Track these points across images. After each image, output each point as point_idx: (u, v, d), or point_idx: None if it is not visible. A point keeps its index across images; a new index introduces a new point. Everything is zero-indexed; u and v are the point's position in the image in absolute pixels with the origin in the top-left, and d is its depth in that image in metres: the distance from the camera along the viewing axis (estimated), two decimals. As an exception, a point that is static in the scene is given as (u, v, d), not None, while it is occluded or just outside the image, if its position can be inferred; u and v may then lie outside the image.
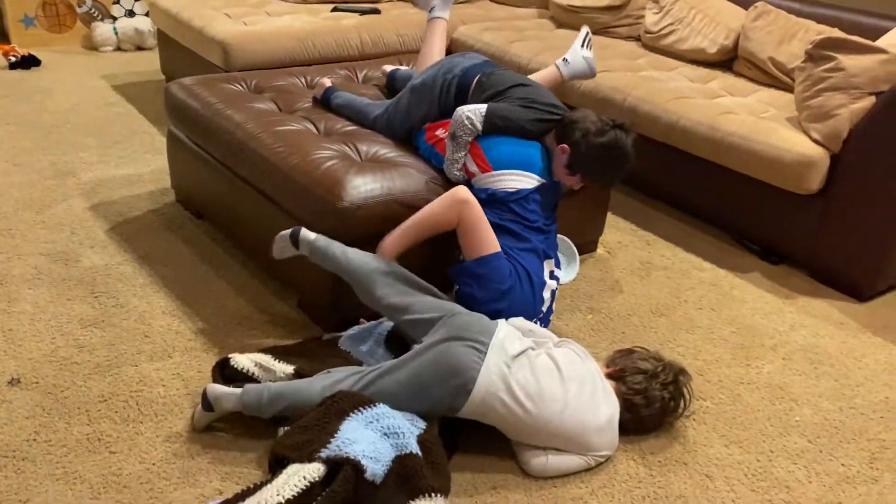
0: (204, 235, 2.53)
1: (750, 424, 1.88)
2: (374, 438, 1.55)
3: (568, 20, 3.83)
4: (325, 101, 2.47)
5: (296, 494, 1.38)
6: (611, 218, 2.88)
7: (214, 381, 1.77)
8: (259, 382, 1.74)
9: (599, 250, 2.64)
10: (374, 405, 1.62)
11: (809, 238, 2.54)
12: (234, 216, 2.38)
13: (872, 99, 2.37)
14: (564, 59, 2.61)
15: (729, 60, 3.29)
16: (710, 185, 2.77)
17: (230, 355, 1.80)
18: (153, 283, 2.25)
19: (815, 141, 2.46)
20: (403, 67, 2.81)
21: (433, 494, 1.53)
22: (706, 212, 2.87)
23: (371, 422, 1.59)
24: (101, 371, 1.88)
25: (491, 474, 1.67)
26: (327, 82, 2.56)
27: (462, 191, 1.93)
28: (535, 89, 2.21)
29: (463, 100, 2.24)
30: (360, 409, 1.60)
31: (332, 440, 1.49)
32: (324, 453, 1.47)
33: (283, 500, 1.36)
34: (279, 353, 1.85)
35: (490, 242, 1.93)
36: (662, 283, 2.48)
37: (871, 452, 1.83)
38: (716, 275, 2.56)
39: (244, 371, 1.76)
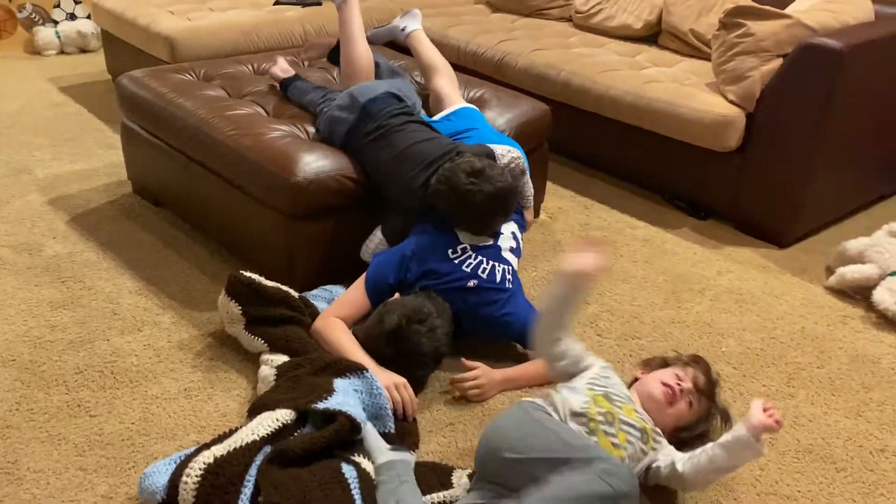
0: (163, 222, 2.63)
1: (681, 357, 2.07)
2: (356, 404, 1.66)
3: (503, 5, 3.99)
4: (283, 89, 2.56)
5: (269, 433, 1.51)
6: (551, 186, 3.04)
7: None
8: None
9: (542, 216, 2.81)
10: (364, 374, 1.73)
11: (732, 192, 2.75)
12: (191, 200, 2.49)
13: (780, 60, 2.58)
14: (402, 28, 2.85)
15: (654, 35, 3.50)
16: (639, 149, 2.97)
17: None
18: (118, 266, 2.35)
19: (732, 102, 2.66)
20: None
21: (394, 451, 1.67)
22: (638, 175, 3.07)
23: (357, 390, 1.70)
24: (74, 346, 1.98)
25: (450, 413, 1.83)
26: (280, 74, 2.59)
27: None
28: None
29: None
30: (350, 374, 1.73)
31: (329, 396, 1.61)
32: (320, 406, 1.58)
33: (257, 438, 1.49)
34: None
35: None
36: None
37: (789, 374, 2.04)
38: (648, 232, 2.75)
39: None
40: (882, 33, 2.58)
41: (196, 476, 1.43)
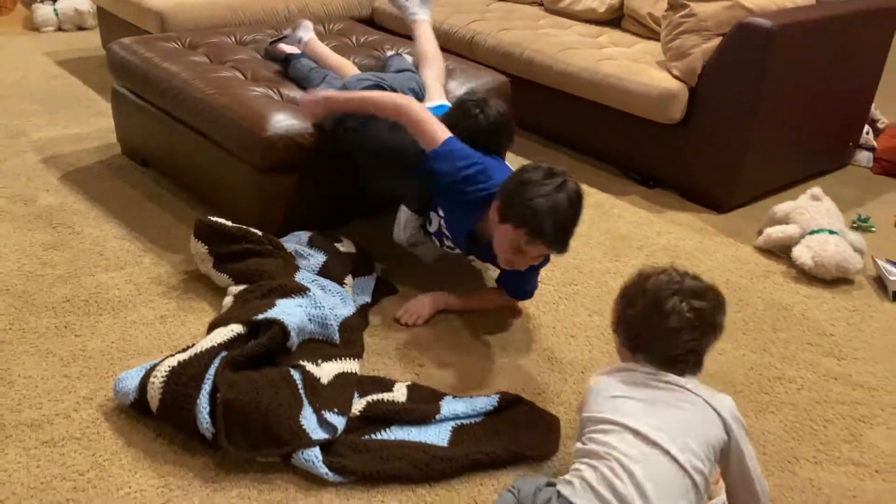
0: (149, 180, 2.84)
1: (610, 301, 2.28)
2: (301, 317, 1.89)
3: (478, -11, 4.20)
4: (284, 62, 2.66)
5: (226, 340, 1.73)
6: (514, 158, 3.26)
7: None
8: None
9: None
10: (308, 293, 1.96)
11: (677, 162, 2.97)
12: (174, 158, 2.70)
13: (719, 39, 2.80)
14: (411, 13, 2.89)
15: (617, 18, 3.71)
16: (595, 123, 3.18)
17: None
18: (105, 216, 2.56)
19: (676, 77, 2.88)
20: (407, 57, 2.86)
21: (342, 358, 1.90)
22: (594, 148, 3.29)
23: (301, 306, 1.93)
24: (62, 280, 2.20)
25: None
26: (286, 50, 2.67)
27: (401, 98, 2.12)
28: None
29: None
30: (294, 294, 1.95)
31: (269, 310, 1.84)
32: (260, 317, 1.81)
33: (214, 345, 1.71)
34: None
35: (440, 130, 2.04)
36: (553, 204, 2.88)
37: (708, 317, 2.26)
38: (599, 198, 2.97)
39: None
40: (814, 15, 2.79)
41: (162, 377, 1.65)
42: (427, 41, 2.79)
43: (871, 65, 3.18)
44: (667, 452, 1.35)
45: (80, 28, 4.86)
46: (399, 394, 1.79)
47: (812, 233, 2.52)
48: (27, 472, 1.56)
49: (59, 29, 4.82)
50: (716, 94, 2.81)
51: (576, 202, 1.85)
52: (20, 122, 3.31)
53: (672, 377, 1.45)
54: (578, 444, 1.44)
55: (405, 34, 3.73)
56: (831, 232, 2.50)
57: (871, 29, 3.07)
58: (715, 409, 1.41)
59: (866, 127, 3.43)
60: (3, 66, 4.03)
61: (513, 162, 3.18)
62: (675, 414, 1.41)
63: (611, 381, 1.49)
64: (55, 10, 4.76)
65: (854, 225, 2.85)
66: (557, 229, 1.81)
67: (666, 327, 1.44)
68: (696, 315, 1.43)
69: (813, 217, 2.56)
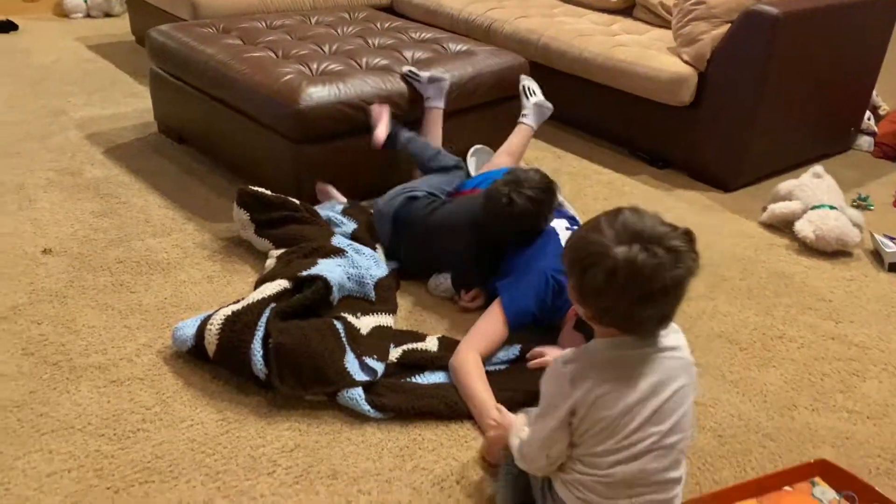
0: (186, 156, 3.01)
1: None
2: (341, 275, 2.06)
3: (495, -21, 4.35)
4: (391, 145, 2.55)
5: (275, 293, 1.89)
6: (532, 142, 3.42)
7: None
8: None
9: (521, 164, 3.18)
10: (346, 254, 2.13)
11: (686, 143, 3.12)
12: (211, 133, 2.87)
13: (728, 25, 2.95)
14: (524, 115, 2.78)
15: (630, 7, 3.86)
16: (608, 106, 3.34)
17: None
18: (148, 188, 2.73)
19: (686, 62, 3.03)
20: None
21: (379, 313, 2.06)
22: (607, 131, 3.44)
23: (340, 265, 2.09)
24: (114, 244, 2.37)
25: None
26: (382, 135, 2.52)
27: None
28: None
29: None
30: (333, 255, 2.12)
31: (313, 267, 2.00)
32: (304, 273, 1.98)
33: (264, 296, 1.87)
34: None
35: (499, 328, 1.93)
36: (568, 183, 3.04)
37: (713, 284, 2.42)
38: (611, 177, 3.12)
39: None
40: (818, 3, 2.94)
41: (218, 325, 1.81)
42: (520, 144, 2.76)
43: (872, 52, 3.32)
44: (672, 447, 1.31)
45: (108, 15, 5.03)
46: (431, 344, 1.95)
47: (813, 208, 2.67)
48: (99, 406, 1.72)
49: (88, 15, 4.99)
50: (724, 78, 2.96)
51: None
52: (60, 102, 3.48)
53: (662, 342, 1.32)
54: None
55: (424, 21, 3.89)
56: (832, 207, 2.65)
57: (873, 18, 3.21)
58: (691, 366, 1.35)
59: (868, 112, 3.58)
60: (37, 50, 4.20)
61: (534, 146, 3.35)
62: (682, 408, 1.32)
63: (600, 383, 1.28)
64: (84, -3, 4.93)
65: (854, 203, 3.00)
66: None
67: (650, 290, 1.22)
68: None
69: (814, 193, 2.71)
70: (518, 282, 1.99)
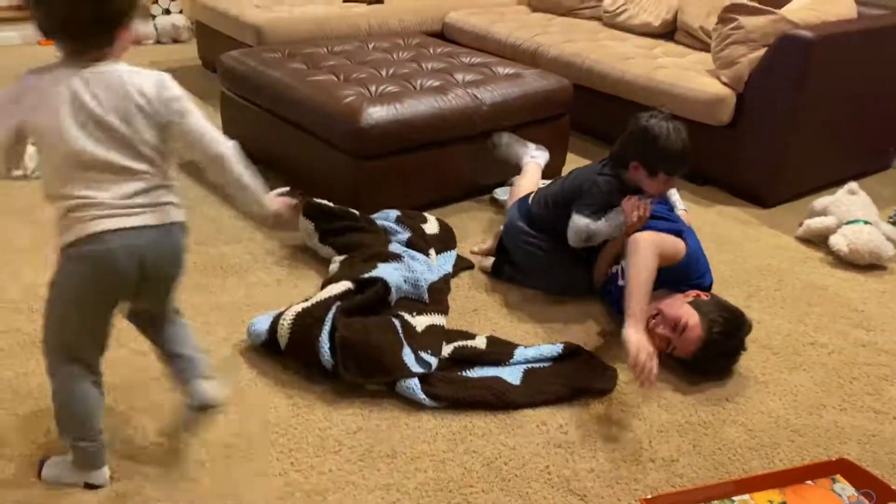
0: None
1: (662, 277, 2.59)
2: (398, 278, 2.25)
3: (541, 6, 4.55)
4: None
5: (339, 292, 2.09)
6: (573, 157, 3.58)
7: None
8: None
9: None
10: (402, 259, 2.32)
11: (725, 161, 3.25)
12: (277, 150, 3.10)
13: (765, 49, 3.08)
14: (532, 156, 2.97)
15: (671, 31, 4.01)
16: (650, 126, 3.48)
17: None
18: (218, 200, 2.96)
19: (725, 84, 3.17)
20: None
21: (432, 313, 2.24)
22: (649, 149, 3.58)
23: (397, 269, 2.28)
24: (191, 249, 2.55)
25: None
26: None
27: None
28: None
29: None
30: (391, 260, 2.31)
31: (373, 270, 2.20)
32: (366, 275, 2.17)
33: (331, 295, 2.07)
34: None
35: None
36: (610, 198, 3.19)
37: (749, 293, 2.55)
38: (653, 193, 3.26)
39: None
40: (852, 28, 3.06)
41: (290, 319, 2.01)
42: (532, 182, 2.85)
43: (910, 74, 3.42)
44: None
45: (176, 41, 5.36)
46: (479, 342, 2.13)
47: (848, 223, 2.77)
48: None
49: (158, 41, 5.32)
50: (761, 99, 3.09)
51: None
52: (136, 122, 3.76)
53: None
54: None
55: (473, 46, 4.09)
56: (866, 222, 2.76)
57: (910, 40, 3.31)
58: None
59: (907, 132, 3.65)
60: (113, 74, 4.52)
61: (575, 162, 3.51)
62: None
63: None
64: (154, 24, 5.27)
65: (891, 220, 3.08)
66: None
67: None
68: None
69: (849, 209, 2.82)
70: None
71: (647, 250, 2.07)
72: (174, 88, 1.51)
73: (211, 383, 1.75)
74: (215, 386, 1.76)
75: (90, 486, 1.64)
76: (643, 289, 2.01)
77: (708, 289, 2.31)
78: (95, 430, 1.60)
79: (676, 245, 2.22)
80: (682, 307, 2.10)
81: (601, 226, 2.20)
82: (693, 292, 2.18)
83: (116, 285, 1.52)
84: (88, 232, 1.43)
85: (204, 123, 1.56)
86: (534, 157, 2.98)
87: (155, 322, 1.75)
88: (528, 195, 2.56)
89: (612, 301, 2.35)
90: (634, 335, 1.89)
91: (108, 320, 1.59)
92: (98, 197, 1.43)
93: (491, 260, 2.56)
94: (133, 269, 1.49)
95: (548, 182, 2.72)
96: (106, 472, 1.65)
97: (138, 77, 1.47)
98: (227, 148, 1.60)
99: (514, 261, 2.50)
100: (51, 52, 1.45)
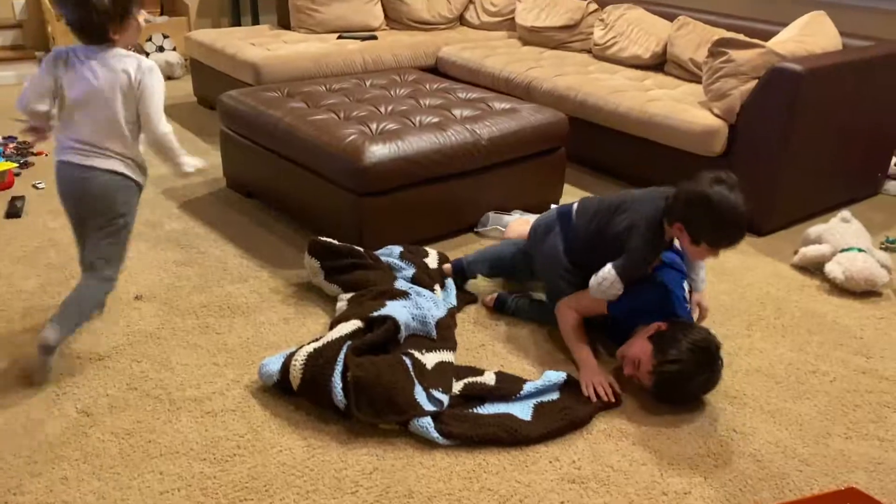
0: (255, 208, 3.27)
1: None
2: (406, 315, 2.27)
3: (531, 39, 4.63)
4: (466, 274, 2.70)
5: (349, 332, 2.11)
6: (569, 188, 3.63)
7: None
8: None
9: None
10: (409, 296, 2.35)
11: (719, 191, 3.31)
12: (278, 188, 3.13)
13: (755, 81, 3.16)
14: (519, 212, 3.13)
15: (661, 63, 4.10)
16: (642, 157, 3.55)
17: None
18: (222, 238, 2.99)
19: (717, 115, 3.24)
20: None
21: (441, 350, 2.27)
22: (643, 180, 3.62)
23: (405, 307, 2.31)
24: (197, 290, 2.61)
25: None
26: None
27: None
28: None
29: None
30: (398, 297, 2.34)
31: (382, 308, 2.22)
32: (375, 314, 2.19)
33: (341, 335, 2.09)
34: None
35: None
36: (608, 229, 3.23)
37: (750, 322, 2.59)
38: (649, 223, 3.31)
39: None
40: (839, 60, 3.14)
41: (302, 360, 2.03)
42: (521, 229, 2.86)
43: (895, 101, 3.50)
44: None
45: (169, 78, 5.40)
46: (488, 378, 2.15)
47: (843, 251, 2.83)
48: (198, 433, 1.94)
49: (152, 79, 5.35)
50: (753, 130, 3.16)
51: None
52: (134, 160, 3.78)
53: None
54: None
55: (466, 80, 4.16)
56: (860, 250, 2.81)
57: (894, 70, 3.40)
58: None
59: (894, 158, 3.74)
60: (109, 112, 4.55)
61: (571, 193, 3.56)
62: None
63: None
64: (148, 62, 5.31)
65: (882, 246, 3.15)
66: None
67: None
68: None
69: (843, 237, 2.88)
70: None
71: (564, 315, 2.36)
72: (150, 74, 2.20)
73: (50, 326, 2.06)
74: (48, 327, 2.05)
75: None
76: (570, 341, 2.32)
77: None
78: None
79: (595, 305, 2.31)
80: (635, 345, 2.17)
81: (619, 288, 2.21)
82: (655, 325, 2.17)
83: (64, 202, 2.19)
84: (58, 159, 2.15)
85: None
86: (522, 215, 3.10)
87: (83, 267, 2.20)
88: (571, 209, 2.51)
89: (606, 331, 2.40)
90: (583, 373, 2.20)
91: (78, 232, 2.22)
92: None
93: (494, 294, 2.60)
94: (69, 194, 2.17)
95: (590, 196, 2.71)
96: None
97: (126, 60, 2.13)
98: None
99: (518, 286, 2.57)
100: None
